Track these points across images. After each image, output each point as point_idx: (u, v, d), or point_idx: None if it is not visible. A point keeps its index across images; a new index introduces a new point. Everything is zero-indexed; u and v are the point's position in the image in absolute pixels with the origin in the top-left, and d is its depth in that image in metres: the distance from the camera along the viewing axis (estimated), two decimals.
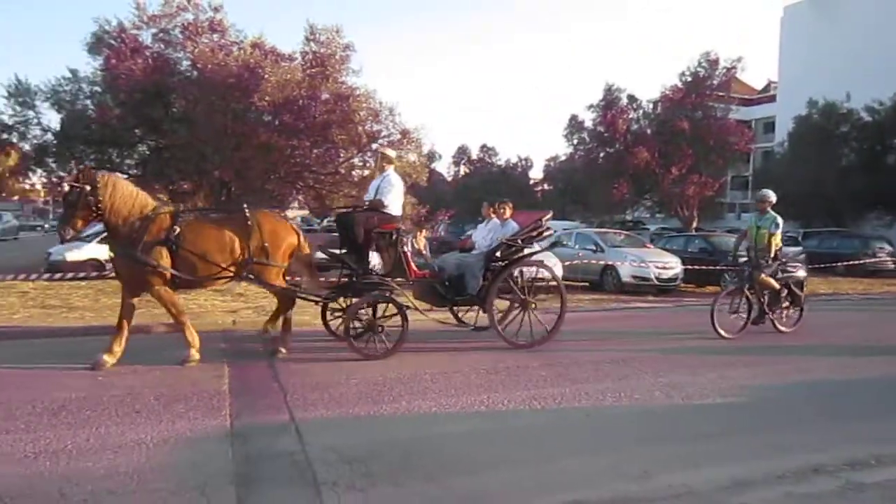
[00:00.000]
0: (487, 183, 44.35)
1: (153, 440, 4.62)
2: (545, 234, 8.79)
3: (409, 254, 8.01)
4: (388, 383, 6.35)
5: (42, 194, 58.27)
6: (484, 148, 51.65)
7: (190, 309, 8.37)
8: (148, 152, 17.49)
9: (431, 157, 24.96)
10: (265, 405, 5.62)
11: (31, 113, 16.16)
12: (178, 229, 6.86)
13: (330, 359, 7.41)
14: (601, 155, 32.96)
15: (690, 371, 7.11)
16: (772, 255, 9.33)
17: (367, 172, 18.18)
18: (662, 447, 4.74)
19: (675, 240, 21.54)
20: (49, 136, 16.49)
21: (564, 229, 22.46)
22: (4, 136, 16.42)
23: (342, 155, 17.44)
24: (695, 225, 30.24)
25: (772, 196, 9.61)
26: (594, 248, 17.29)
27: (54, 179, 17.03)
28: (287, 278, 7.73)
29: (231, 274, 7.15)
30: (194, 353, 6.91)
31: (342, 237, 7.78)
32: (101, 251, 14.91)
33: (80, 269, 14.06)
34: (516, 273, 8.28)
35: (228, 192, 16.62)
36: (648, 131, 31.12)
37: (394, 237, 7.62)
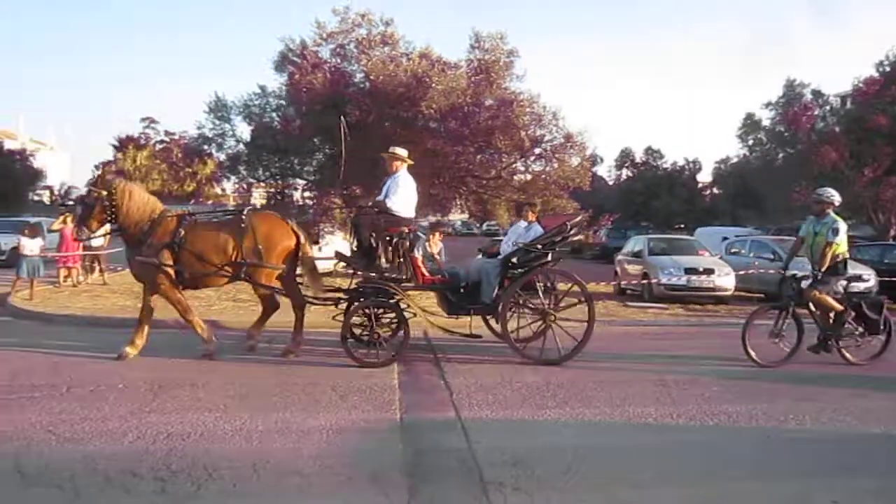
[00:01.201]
0: (652, 186, 42.54)
1: (331, 428, 4.95)
2: (570, 238, 7.98)
3: (419, 258, 7.61)
4: (550, 388, 6.31)
5: (232, 199, 65.00)
6: (649, 150, 49.63)
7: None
8: (324, 159, 18.71)
9: (594, 160, 24.36)
10: (433, 402, 5.82)
11: (227, 126, 17.98)
12: (182, 231, 7.18)
13: (493, 361, 7.50)
14: (780, 156, 30.45)
15: (892, 397, 6.35)
16: (824, 267, 7.65)
17: (528, 177, 18.22)
18: (855, 480, 4.26)
19: (868, 249, 19.36)
20: (241, 146, 18.22)
21: (737, 236, 20.98)
22: (205, 147, 18.42)
23: (504, 160, 17.58)
24: (892, 233, 26.95)
25: (832, 196, 7.95)
26: (772, 256, 15.99)
27: (244, 185, 18.81)
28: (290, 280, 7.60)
29: (228, 274, 7.29)
30: (210, 347, 7.22)
31: (354, 239, 7.67)
32: None
33: None
34: (539, 281, 7.55)
35: None
36: (837, 129, 28.25)
37: (395, 240, 7.26)
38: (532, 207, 8.64)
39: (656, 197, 40.95)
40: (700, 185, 48.65)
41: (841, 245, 7.73)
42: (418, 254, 7.64)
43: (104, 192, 7.21)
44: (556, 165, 17.44)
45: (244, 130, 18.37)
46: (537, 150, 17.13)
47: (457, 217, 52.09)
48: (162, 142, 53.31)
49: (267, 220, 7.64)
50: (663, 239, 19.06)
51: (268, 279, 7.39)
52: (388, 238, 7.21)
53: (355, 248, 7.56)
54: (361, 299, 7.24)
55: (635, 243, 17.80)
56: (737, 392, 6.34)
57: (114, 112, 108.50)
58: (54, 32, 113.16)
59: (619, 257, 17.83)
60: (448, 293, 7.53)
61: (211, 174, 51.03)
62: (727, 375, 6.99)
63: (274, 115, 18.11)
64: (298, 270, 7.58)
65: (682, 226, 37.94)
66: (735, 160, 43.73)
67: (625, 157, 50.76)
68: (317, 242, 17.29)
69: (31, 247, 11.39)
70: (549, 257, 7.63)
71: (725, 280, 14.15)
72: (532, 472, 4.13)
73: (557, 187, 17.13)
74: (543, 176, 17.64)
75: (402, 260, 7.26)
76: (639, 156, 49.96)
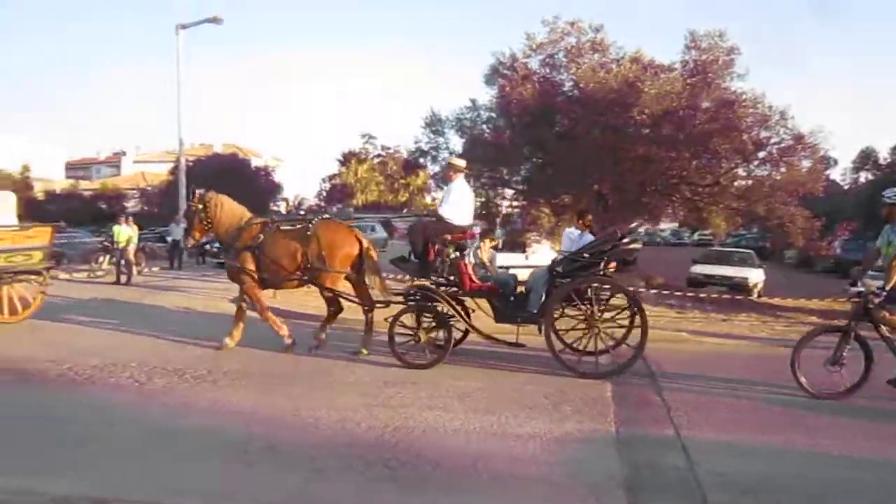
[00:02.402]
0: None
1: (546, 435, 4.99)
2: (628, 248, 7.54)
3: (468, 265, 7.45)
4: (773, 414, 5.81)
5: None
6: None
7: None
8: (533, 169, 18.98)
9: (826, 162, 21.86)
10: (648, 417, 5.62)
11: (441, 139, 19.02)
12: (261, 237, 7.77)
13: (708, 377, 7.06)
14: None
15: None
16: (890, 284, 6.24)
17: (750, 183, 16.93)
18: None
19: None
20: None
21: None
22: (421, 159, 19.61)
23: (723, 165, 16.51)
24: None
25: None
26: None
27: None
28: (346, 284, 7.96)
29: (298, 277, 7.79)
30: (287, 342, 7.74)
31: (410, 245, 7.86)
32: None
33: None
34: (590, 292, 7.09)
35: (606, 205, 17.09)
36: None
37: (439, 246, 7.34)
38: (584, 216, 8.58)
39: None
40: None
41: None
42: (468, 260, 7.58)
43: (200, 206, 8.14)
44: (783, 170, 16.06)
45: (456, 143, 19.26)
46: (761, 154, 15.93)
47: (666, 226, 49.79)
48: (379, 155, 57.50)
49: (331, 228, 7.98)
50: None
51: (332, 283, 7.80)
52: (437, 245, 7.39)
53: (410, 255, 7.82)
54: (411, 303, 7.45)
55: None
56: None
57: (336, 128, 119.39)
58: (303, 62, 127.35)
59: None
60: (495, 301, 7.42)
61: (423, 185, 54.34)
62: None
63: (484, 126, 18.77)
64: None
65: None
66: None
67: (865, 158, 44.89)
68: (524, 251, 17.60)
69: None
70: (600, 266, 7.20)
71: None
72: (758, 500, 3.86)
73: (785, 193, 15.75)
74: (768, 182, 16.31)
75: (449, 266, 7.39)
76: (883, 156, 43.85)
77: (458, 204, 7.61)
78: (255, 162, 48.19)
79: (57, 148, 67.92)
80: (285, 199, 57.20)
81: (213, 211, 8.13)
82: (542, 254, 16.38)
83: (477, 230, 8.07)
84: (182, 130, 22.81)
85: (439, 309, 7.30)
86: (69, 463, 4.23)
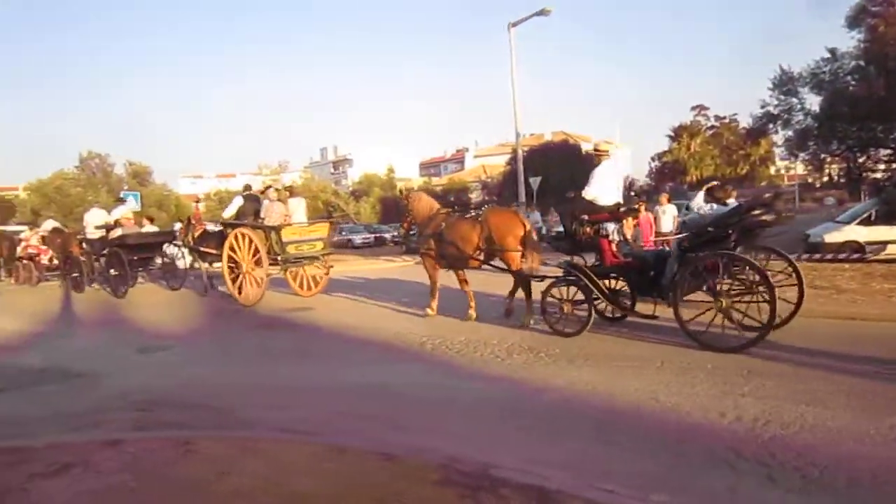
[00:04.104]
0: None
1: None
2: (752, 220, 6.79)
3: (610, 242, 7.81)
4: None
5: (785, 179, 60.86)
6: None
7: None
8: None
9: None
10: None
11: (794, 100, 16.81)
12: (443, 225, 9.18)
13: None
14: None
15: None
16: None
17: None
18: None
19: None
20: (809, 119, 16.79)
21: None
22: (770, 125, 17.62)
23: None
24: None
25: None
26: None
27: (814, 161, 17.28)
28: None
29: (474, 258, 8.91)
30: (471, 313, 9.03)
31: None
32: (861, 233, 14.33)
33: (840, 251, 13.82)
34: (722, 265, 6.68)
35: None
36: None
37: (575, 225, 7.90)
38: (721, 187, 8.44)
39: None
40: None
41: None
42: (612, 237, 7.89)
43: (405, 202, 10.08)
44: None
45: (812, 101, 16.87)
46: None
47: None
48: (712, 127, 53.67)
49: (496, 214, 9.25)
50: None
51: (510, 259, 8.71)
52: (584, 222, 7.86)
53: (558, 233, 8.68)
54: (558, 278, 7.98)
55: None
56: None
57: (666, 104, 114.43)
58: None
59: None
60: (634, 275, 7.67)
61: (765, 154, 49.08)
62: None
63: (849, 78, 16.09)
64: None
65: None
66: None
67: None
68: None
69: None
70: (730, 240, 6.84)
71: None
72: None
73: None
74: None
75: (593, 242, 7.84)
76: None
77: (601, 185, 8.02)
78: (585, 146, 48.85)
79: (412, 150, 78.15)
80: None
81: (413, 204, 9.88)
82: None
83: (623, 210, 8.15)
84: (518, 123, 24.08)
85: (581, 283, 7.71)
86: (457, 426, 4.75)
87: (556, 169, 32.98)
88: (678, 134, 53.61)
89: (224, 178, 69.57)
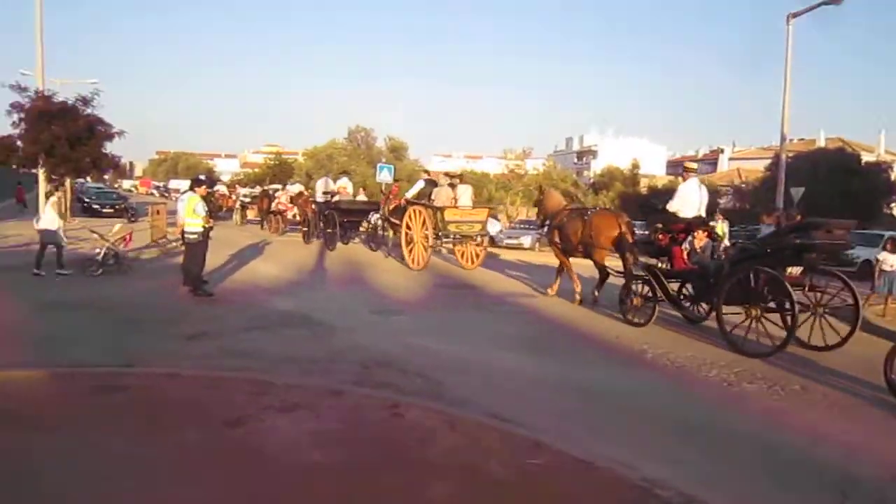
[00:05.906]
0: None
1: None
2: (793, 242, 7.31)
3: (682, 250, 8.86)
4: None
5: None
6: None
7: None
8: None
9: None
10: None
11: None
12: (563, 219, 10.75)
13: None
14: None
15: None
16: None
17: None
18: None
19: None
20: None
21: None
22: None
23: None
24: None
25: None
26: None
27: None
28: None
29: (578, 251, 10.47)
30: (578, 296, 10.43)
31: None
32: None
33: None
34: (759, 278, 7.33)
35: None
36: None
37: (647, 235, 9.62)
38: (767, 213, 11.15)
39: None
40: None
41: None
42: (684, 246, 8.91)
43: (541, 197, 12.16)
44: None
45: None
46: None
47: None
48: None
49: (599, 215, 10.43)
50: None
51: (599, 256, 10.09)
52: (657, 231, 9.18)
53: (644, 237, 9.85)
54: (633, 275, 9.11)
55: None
56: None
57: None
58: None
59: None
60: (696, 281, 8.48)
61: None
62: None
63: None
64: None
65: None
66: None
67: None
68: None
69: (891, 261, 10.99)
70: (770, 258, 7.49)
71: None
72: None
73: None
74: None
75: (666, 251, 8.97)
76: None
77: (684, 200, 9.07)
78: (866, 157, 42.48)
79: (660, 146, 74.60)
80: None
81: (545, 200, 11.81)
82: None
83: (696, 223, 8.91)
84: (786, 125, 21.56)
85: (650, 282, 8.69)
86: (643, 441, 4.39)
87: (825, 179, 29.12)
88: None
89: (472, 158, 72.61)
